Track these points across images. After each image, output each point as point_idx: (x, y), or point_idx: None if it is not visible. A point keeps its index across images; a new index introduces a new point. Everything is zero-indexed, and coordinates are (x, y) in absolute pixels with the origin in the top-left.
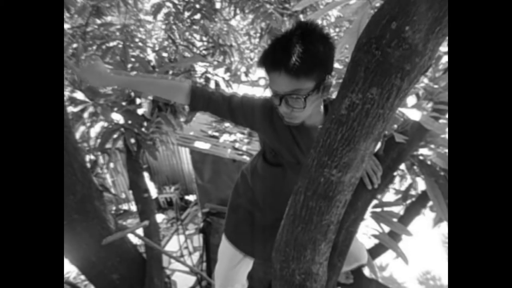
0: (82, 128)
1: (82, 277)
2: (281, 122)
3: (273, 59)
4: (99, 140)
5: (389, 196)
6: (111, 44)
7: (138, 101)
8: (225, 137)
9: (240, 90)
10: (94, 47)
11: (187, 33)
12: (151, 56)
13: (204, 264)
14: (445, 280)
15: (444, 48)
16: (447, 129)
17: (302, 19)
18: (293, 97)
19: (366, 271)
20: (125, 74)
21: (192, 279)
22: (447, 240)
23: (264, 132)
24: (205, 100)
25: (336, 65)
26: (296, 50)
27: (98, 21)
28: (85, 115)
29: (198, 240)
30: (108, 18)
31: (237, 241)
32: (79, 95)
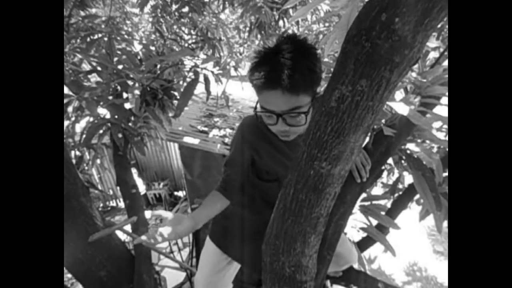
0: (66, 123)
1: (69, 275)
2: (270, 144)
3: (269, 78)
4: (84, 135)
5: (377, 190)
6: (96, 36)
7: (125, 95)
8: (214, 132)
9: (230, 84)
10: (78, 40)
11: (175, 27)
12: (138, 49)
13: (194, 260)
14: (430, 271)
15: (432, 44)
16: (433, 124)
17: (289, 33)
18: (293, 115)
19: (355, 264)
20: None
21: (182, 275)
22: (432, 232)
23: (262, 157)
24: (228, 184)
25: (326, 59)
26: (293, 67)
27: (82, 13)
28: (70, 109)
29: (187, 236)
30: (93, 10)
31: (226, 245)
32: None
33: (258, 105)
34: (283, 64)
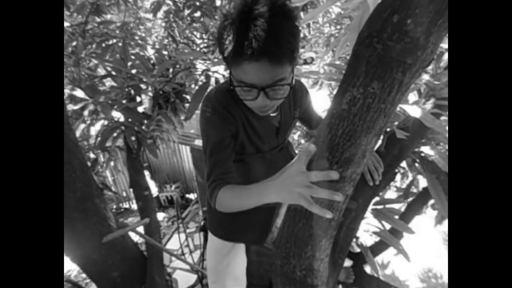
0: (82, 126)
1: (83, 275)
2: (244, 117)
3: (252, 47)
4: (99, 138)
5: (390, 193)
6: (111, 42)
7: (138, 98)
8: None
9: None
10: (94, 45)
11: (187, 31)
12: (151, 54)
13: (205, 262)
14: (446, 278)
15: (445, 45)
16: (447, 127)
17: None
18: (276, 88)
19: (368, 269)
20: None
21: (193, 277)
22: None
23: (238, 132)
24: (229, 178)
25: (338, 62)
26: (278, 33)
27: (98, 19)
28: (85, 113)
29: (199, 238)
30: (108, 16)
31: (224, 234)
32: (79, 93)
33: (233, 78)
34: (266, 31)
